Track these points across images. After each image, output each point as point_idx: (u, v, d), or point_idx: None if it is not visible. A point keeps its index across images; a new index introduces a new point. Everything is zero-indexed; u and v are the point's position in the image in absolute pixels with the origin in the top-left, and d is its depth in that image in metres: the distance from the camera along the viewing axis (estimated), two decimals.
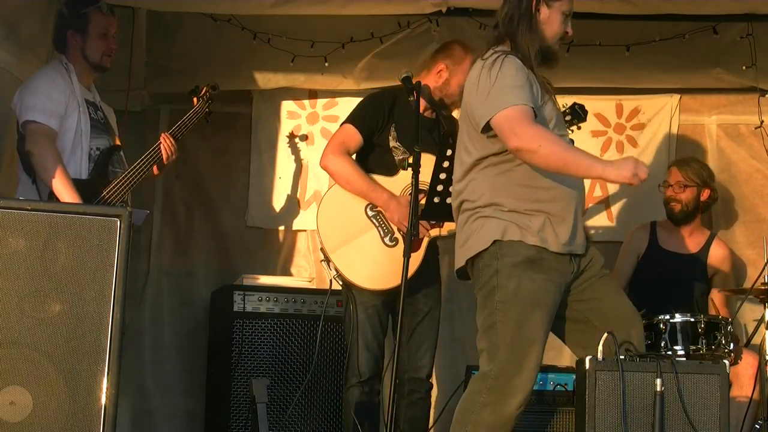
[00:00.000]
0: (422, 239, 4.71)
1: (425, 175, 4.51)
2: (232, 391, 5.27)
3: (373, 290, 4.66)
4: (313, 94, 6.08)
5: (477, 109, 3.86)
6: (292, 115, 6.08)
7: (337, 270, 4.65)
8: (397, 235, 4.71)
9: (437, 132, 4.91)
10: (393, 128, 4.82)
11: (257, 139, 6.06)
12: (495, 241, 3.81)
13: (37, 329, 3.39)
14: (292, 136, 6.04)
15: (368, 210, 4.72)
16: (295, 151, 6.04)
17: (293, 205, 6.03)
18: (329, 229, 4.69)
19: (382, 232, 4.72)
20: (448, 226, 4.67)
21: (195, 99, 5.12)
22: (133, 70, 5.34)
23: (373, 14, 5.45)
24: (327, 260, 4.69)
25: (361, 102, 4.97)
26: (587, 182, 6.01)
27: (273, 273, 5.85)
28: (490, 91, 3.79)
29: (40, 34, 4.85)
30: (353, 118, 4.85)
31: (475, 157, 3.89)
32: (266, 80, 5.83)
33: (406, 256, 4.16)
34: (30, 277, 3.41)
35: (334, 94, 6.05)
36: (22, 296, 3.39)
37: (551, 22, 3.96)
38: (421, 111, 4.72)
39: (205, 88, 5.13)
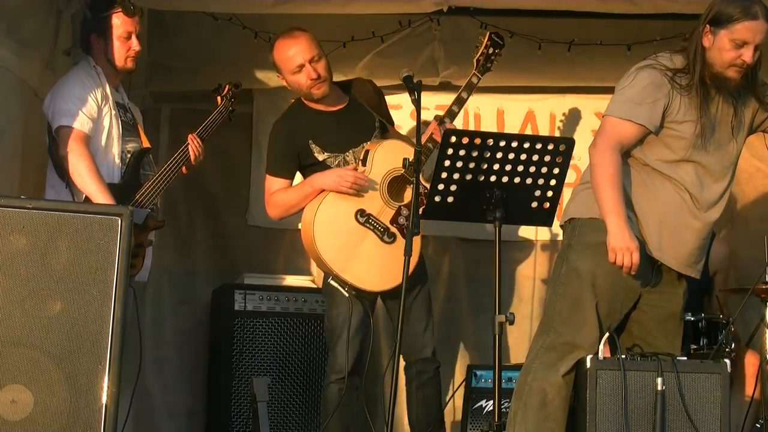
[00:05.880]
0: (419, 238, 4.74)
1: (390, 164, 4.70)
2: (232, 389, 5.28)
3: (383, 291, 4.70)
4: None
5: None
6: None
7: (352, 286, 4.65)
8: (393, 229, 4.73)
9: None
10: (311, 143, 4.85)
11: (258, 137, 6.06)
12: None
13: (39, 328, 3.40)
14: None
15: (358, 217, 4.71)
16: None
17: None
18: (331, 251, 4.67)
19: (378, 234, 4.71)
20: None
21: (219, 98, 5.07)
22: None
23: (374, 13, 5.44)
24: (338, 279, 4.67)
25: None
26: None
27: (274, 272, 5.85)
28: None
29: (41, 33, 4.84)
30: (267, 168, 4.96)
31: None
32: (267, 79, 5.82)
33: (407, 254, 4.14)
34: (31, 275, 3.42)
35: None
36: (23, 295, 3.40)
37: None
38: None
39: (227, 87, 5.09)
